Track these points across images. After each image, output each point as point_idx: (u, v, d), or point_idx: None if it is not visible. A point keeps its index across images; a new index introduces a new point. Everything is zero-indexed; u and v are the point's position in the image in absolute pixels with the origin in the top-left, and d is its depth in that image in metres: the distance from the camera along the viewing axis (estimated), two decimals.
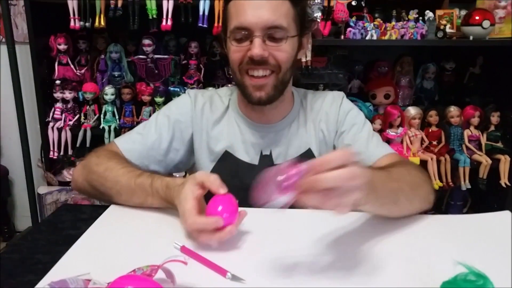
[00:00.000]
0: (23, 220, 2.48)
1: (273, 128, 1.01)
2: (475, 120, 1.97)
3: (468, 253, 0.70)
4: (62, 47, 1.95)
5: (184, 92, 1.91)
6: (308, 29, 0.96)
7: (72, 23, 1.83)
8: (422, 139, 1.98)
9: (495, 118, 1.98)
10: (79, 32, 1.92)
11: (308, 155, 1.01)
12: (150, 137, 0.99)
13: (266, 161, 1.00)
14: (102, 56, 2.02)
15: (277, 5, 0.87)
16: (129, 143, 0.99)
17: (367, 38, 1.85)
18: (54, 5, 1.88)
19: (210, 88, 1.94)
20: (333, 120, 1.02)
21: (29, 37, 1.93)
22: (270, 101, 0.93)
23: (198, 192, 0.72)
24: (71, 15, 1.83)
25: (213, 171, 1.01)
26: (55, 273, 0.61)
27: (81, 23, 1.84)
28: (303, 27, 0.93)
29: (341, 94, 1.06)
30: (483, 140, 1.99)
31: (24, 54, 2.11)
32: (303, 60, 1.78)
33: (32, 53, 1.94)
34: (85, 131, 1.99)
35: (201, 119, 1.02)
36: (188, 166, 1.07)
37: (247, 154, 1.01)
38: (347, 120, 1.02)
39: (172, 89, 1.97)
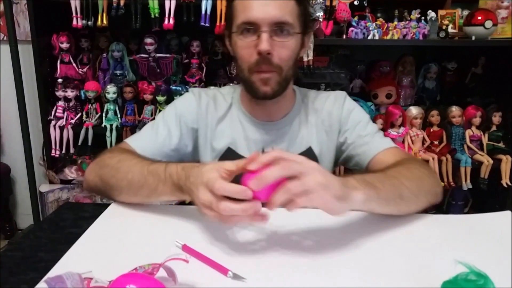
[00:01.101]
0: (24, 218, 2.48)
1: (275, 126, 1.02)
2: (477, 120, 1.96)
3: (469, 253, 0.70)
4: (64, 45, 1.95)
5: (186, 91, 1.93)
6: (310, 27, 0.98)
7: (74, 22, 1.84)
8: (424, 139, 1.98)
9: (496, 118, 1.98)
10: (81, 30, 1.92)
11: (308, 153, 1.02)
12: (160, 134, 0.99)
13: None
14: (104, 55, 2.03)
15: (283, 2, 0.89)
16: (140, 141, 0.99)
17: (369, 37, 1.85)
18: (56, 4, 1.88)
19: (212, 87, 1.94)
20: (336, 119, 1.03)
21: (31, 36, 1.94)
22: (274, 95, 0.94)
23: (223, 174, 0.65)
24: (74, 14, 1.83)
25: None
26: (57, 271, 0.61)
27: (84, 21, 1.84)
28: (305, 25, 0.95)
29: (343, 93, 1.07)
30: (485, 140, 1.99)
31: (26, 52, 2.12)
32: (305, 59, 1.79)
33: (34, 51, 1.95)
34: (87, 129, 2.00)
35: (206, 116, 1.03)
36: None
37: (249, 151, 1.01)
38: (351, 118, 1.02)
39: (174, 88, 1.97)
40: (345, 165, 1.08)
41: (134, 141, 0.99)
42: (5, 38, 2.18)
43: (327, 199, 0.63)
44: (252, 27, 0.89)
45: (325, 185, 0.62)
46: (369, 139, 1.00)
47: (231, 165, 0.66)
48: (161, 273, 0.56)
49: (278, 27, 0.88)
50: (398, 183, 0.77)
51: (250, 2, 0.89)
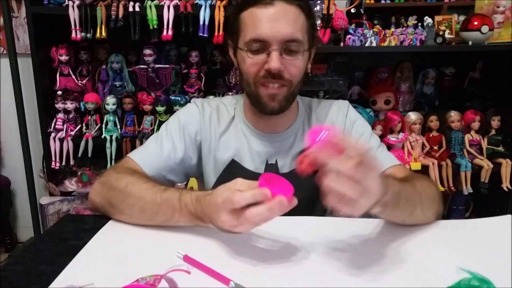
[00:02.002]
0: (25, 230, 2.48)
1: (279, 138, 1.01)
2: (476, 125, 1.97)
3: (471, 258, 0.70)
4: (64, 58, 1.96)
5: (186, 101, 1.94)
6: (316, 41, 0.97)
7: (73, 34, 1.85)
8: (423, 144, 1.98)
9: (495, 122, 1.98)
10: (81, 43, 1.93)
11: None
12: (165, 147, 0.98)
13: (272, 170, 1.00)
14: (104, 66, 2.04)
15: (294, 18, 0.87)
16: (145, 156, 0.97)
17: (367, 44, 1.86)
18: (55, 17, 1.90)
19: (211, 97, 1.94)
20: (339, 129, 1.02)
21: (31, 49, 1.95)
22: (281, 110, 0.94)
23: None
24: (73, 26, 1.84)
25: (219, 179, 1.01)
26: (59, 284, 0.61)
27: (83, 34, 1.85)
28: (313, 39, 0.94)
29: (346, 103, 1.07)
30: (484, 144, 1.99)
31: (25, 65, 2.13)
32: None
33: (34, 64, 1.96)
34: (86, 141, 2.00)
35: (209, 128, 1.02)
36: (197, 174, 1.06)
37: (253, 163, 1.01)
38: (354, 129, 1.02)
39: (173, 98, 1.98)
40: None
41: (138, 157, 0.97)
42: (4, 51, 2.19)
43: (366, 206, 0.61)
44: (261, 45, 0.87)
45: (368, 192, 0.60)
46: (373, 154, 0.99)
47: (242, 185, 0.66)
48: (163, 284, 0.56)
49: (289, 45, 0.87)
50: (418, 201, 0.78)
51: (259, 17, 0.86)
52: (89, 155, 2.01)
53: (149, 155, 0.98)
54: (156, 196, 0.79)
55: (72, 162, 2.04)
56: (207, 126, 1.02)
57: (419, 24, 1.92)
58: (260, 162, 1.01)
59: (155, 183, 0.85)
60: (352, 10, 1.86)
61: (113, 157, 2.00)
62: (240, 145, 1.01)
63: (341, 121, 1.03)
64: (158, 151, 0.98)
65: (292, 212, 0.90)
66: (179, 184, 1.15)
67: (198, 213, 0.74)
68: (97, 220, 0.85)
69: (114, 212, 0.85)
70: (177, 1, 1.84)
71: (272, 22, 0.85)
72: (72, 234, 0.81)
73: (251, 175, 0.99)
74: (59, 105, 2.02)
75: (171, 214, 0.78)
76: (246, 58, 0.90)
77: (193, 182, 1.44)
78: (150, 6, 1.80)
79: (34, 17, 1.89)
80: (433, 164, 1.91)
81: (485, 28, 1.79)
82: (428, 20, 1.89)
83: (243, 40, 0.90)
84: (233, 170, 1.00)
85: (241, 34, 0.91)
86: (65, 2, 1.85)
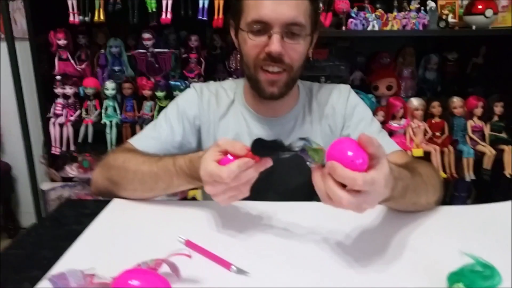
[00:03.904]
0: (27, 216, 2.48)
1: (279, 121, 1.01)
2: (479, 111, 1.95)
3: (473, 243, 0.69)
4: (62, 42, 1.94)
5: (186, 86, 1.92)
6: (318, 26, 0.95)
7: (71, 18, 1.83)
8: (425, 130, 1.97)
9: (498, 108, 1.96)
10: (79, 27, 1.91)
11: None
12: (163, 132, 0.99)
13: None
14: (102, 51, 2.02)
15: (297, 1, 0.86)
16: (143, 140, 0.98)
17: (369, 29, 1.83)
18: (52, 0, 1.87)
19: (213, 82, 1.92)
20: (340, 114, 1.01)
21: (29, 33, 1.93)
22: (281, 96, 0.93)
23: (219, 157, 0.67)
24: (70, 10, 1.82)
25: None
26: (60, 269, 0.61)
27: (81, 17, 1.83)
28: (315, 24, 0.93)
29: (347, 87, 1.06)
30: (487, 130, 1.98)
31: (23, 50, 2.10)
32: None
33: (32, 49, 1.94)
34: (86, 126, 1.99)
35: (208, 112, 1.02)
36: None
37: None
38: (355, 114, 1.01)
39: (172, 83, 1.96)
40: None
41: (137, 141, 0.98)
42: (2, 36, 2.17)
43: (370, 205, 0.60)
44: (262, 26, 0.86)
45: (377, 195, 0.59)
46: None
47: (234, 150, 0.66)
48: (164, 268, 0.56)
49: (290, 29, 0.85)
50: (423, 191, 0.77)
51: None
52: (89, 140, 2.00)
53: (148, 139, 0.99)
54: (152, 166, 0.82)
55: (72, 148, 2.03)
56: (205, 110, 1.02)
57: (422, 8, 1.89)
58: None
59: (151, 156, 0.87)
60: None
61: (113, 143, 1.99)
62: (239, 129, 1.01)
63: (342, 105, 1.02)
64: (156, 135, 0.99)
65: (293, 196, 0.90)
66: None
67: (193, 173, 0.76)
68: (97, 205, 0.85)
69: (117, 189, 0.87)
70: None
71: (275, 4, 0.84)
72: (73, 218, 0.81)
73: None
74: (58, 90, 2.01)
75: (169, 180, 0.80)
76: (247, 39, 0.88)
77: None
78: None
79: (31, 0, 1.87)
80: (435, 150, 1.90)
81: (489, 12, 1.77)
82: (431, 4, 1.87)
83: (245, 21, 0.88)
84: None
85: (243, 15, 0.89)
86: None
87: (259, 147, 0.65)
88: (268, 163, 0.66)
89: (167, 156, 0.84)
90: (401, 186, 0.66)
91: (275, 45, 0.84)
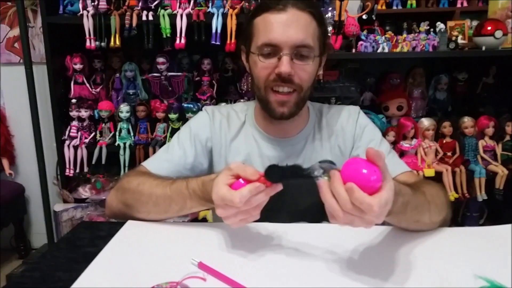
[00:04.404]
0: (38, 237, 2.50)
1: (290, 142, 1.02)
2: (490, 130, 1.94)
3: (487, 266, 0.68)
4: (78, 66, 1.99)
5: (198, 108, 1.95)
6: (327, 48, 0.98)
7: (88, 43, 1.88)
8: (437, 151, 1.96)
9: (510, 127, 1.95)
10: (95, 51, 1.96)
11: None
12: (175, 154, 1.01)
13: None
14: (117, 75, 2.06)
15: (305, 24, 0.89)
16: (156, 163, 1.00)
17: (379, 51, 1.85)
18: (70, 26, 1.93)
19: (224, 104, 1.95)
20: (350, 135, 1.03)
21: (46, 57, 1.98)
22: (291, 116, 0.95)
23: (231, 181, 0.69)
24: (87, 35, 1.87)
25: None
26: None
27: (97, 43, 1.88)
28: (324, 46, 0.95)
29: (357, 108, 1.07)
30: (499, 150, 1.96)
31: (41, 74, 2.17)
32: None
33: (49, 72, 1.98)
34: (100, 148, 2.02)
35: (220, 134, 1.04)
36: None
37: (263, 168, 1.01)
38: (365, 135, 1.02)
39: (185, 105, 1.99)
40: None
41: (150, 164, 1.00)
42: (21, 60, 2.24)
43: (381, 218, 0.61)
44: (272, 49, 0.89)
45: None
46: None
47: (245, 175, 0.67)
48: None
49: (299, 51, 0.88)
50: (426, 209, 0.78)
51: (271, 23, 0.88)
52: (103, 162, 2.03)
53: (161, 161, 1.01)
54: (166, 189, 0.84)
55: (86, 169, 2.06)
56: (217, 132, 1.04)
57: (432, 29, 1.90)
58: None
59: (164, 179, 0.89)
60: (364, 17, 1.86)
61: (127, 164, 2.02)
62: (250, 150, 1.02)
63: (351, 126, 1.03)
64: (169, 157, 1.01)
65: (303, 217, 0.90)
66: None
67: (206, 196, 0.77)
68: (112, 227, 0.86)
69: (131, 212, 0.89)
70: (190, 9, 1.86)
71: (284, 27, 0.87)
72: (88, 241, 0.81)
73: None
74: (74, 113, 2.05)
75: (182, 202, 0.82)
76: (257, 62, 0.91)
77: None
78: (163, 15, 1.82)
79: (49, 27, 1.93)
80: (446, 170, 1.89)
81: (498, 33, 1.78)
82: (440, 25, 1.88)
83: (256, 45, 0.91)
84: None
85: (253, 39, 0.92)
86: (79, 11, 1.89)
87: (277, 174, 0.65)
88: (279, 187, 0.67)
89: (180, 179, 0.86)
90: (401, 201, 0.68)
91: (285, 66, 0.87)
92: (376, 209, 0.55)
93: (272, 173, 0.65)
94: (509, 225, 0.83)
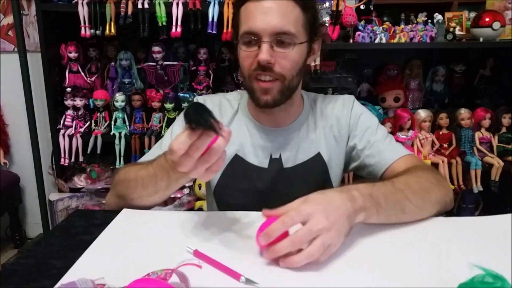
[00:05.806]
0: (34, 227, 2.50)
1: (283, 132, 1.01)
2: (486, 122, 1.95)
3: (483, 255, 0.69)
4: (73, 55, 1.98)
5: (194, 98, 1.94)
6: (319, 35, 0.96)
7: (82, 31, 1.86)
8: (433, 142, 1.97)
9: (506, 120, 1.96)
10: (90, 40, 1.94)
11: (317, 159, 1.01)
12: (164, 146, 1.00)
13: (276, 164, 1.00)
14: (112, 64, 2.05)
15: (286, 11, 0.87)
16: (148, 156, 0.99)
17: (376, 41, 1.84)
18: (64, 14, 1.91)
19: (217, 93, 1.94)
20: (345, 124, 1.02)
21: (41, 46, 1.96)
22: (276, 104, 0.93)
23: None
24: (82, 24, 1.85)
25: (224, 174, 1.01)
26: (70, 278, 0.61)
27: (92, 31, 1.87)
28: (313, 33, 0.93)
29: (351, 97, 1.06)
30: (495, 142, 1.97)
31: (35, 62, 2.15)
32: (312, 64, 1.78)
33: (44, 61, 1.97)
34: (95, 137, 2.01)
35: None
36: None
37: (257, 158, 1.01)
38: (360, 123, 1.01)
39: (181, 95, 1.98)
40: (357, 173, 1.06)
41: (143, 158, 1.01)
42: (15, 49, 2.21)
43: (336, 238, 0.67)
44: (254, 37, 0.88)
45: (328, 229, 0.65)
46: (381, 146, 0.98)
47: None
48: (174, 278, 0.56)
49: (280, 38, 0.87)
50: (402, 197, 0.77)
51: (252, 11, 0.88)
52: (98, 151, 2.02)
53: (152, 154, 0.99)
54: (148, 169, 0.84)
55: (81, 159, 2.05)
56: None
57: (429, 21, 1.90)
58: (264, 157, 1.01)
59: (147, 162, 0.88)
60: (362, 7, 1.85)
61: (122, 154, 2.01)
62: (243, 140, 1.02)
63: (346, 115, 1.02)
64: (159, 151, 0.98)
65: None
66: (186, 184, 1.16)
67: None
68: (107, 215, 0.85)
69: (125, 202, 0.89)
70: None
71: (263, 15, 0.86)
72: (82, 229, 0.81)
73: (256, 170, 0.99)
74: (68, 102, 2.04)
75: (166, 176, 0.80)
76: (241, 51, 0.91)
77: (198, 180, 1.45)
78: (159, 3, 1.81)
79: (44, 15, 1.91)
80: (442, 162, 1.89)
81: (496, 25, 1.77)
82: (438, 16, 1.88)
83: (239, 34, 0.91)
84: (237, 165, 1.00)
85: (238, 29, 0.92)
86: None
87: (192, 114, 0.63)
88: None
89: (159, 156, 0.84)
90: (360, 195, 0.72)
91: (263, 53, 0.86)
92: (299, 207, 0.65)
93: (189, 114, 0.63)
94: (507, 215, 0.84)
